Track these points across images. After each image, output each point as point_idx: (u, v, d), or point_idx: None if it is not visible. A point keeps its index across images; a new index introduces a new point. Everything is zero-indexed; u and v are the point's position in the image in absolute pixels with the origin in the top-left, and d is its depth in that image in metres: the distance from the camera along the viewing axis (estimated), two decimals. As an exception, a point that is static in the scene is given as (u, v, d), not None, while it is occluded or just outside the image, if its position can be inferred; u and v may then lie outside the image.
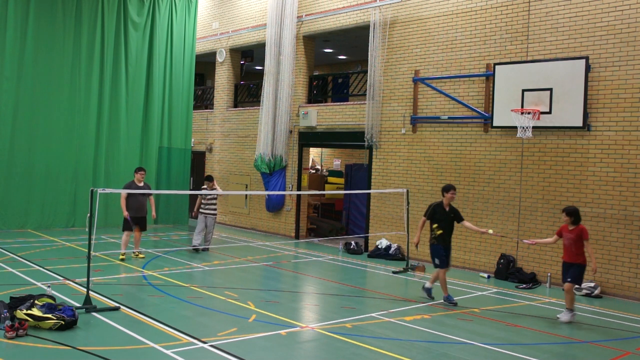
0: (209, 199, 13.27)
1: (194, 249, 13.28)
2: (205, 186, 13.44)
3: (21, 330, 6.73)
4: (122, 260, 11.71)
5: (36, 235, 14.71)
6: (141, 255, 11.49)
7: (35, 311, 7.11)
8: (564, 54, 11.20)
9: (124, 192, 11.63)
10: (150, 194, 12.29)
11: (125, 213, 11.62)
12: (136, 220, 11.92)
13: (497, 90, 11.85)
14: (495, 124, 11.95)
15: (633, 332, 8.26)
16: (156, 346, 6.59)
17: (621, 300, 10.22)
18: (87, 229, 8.02)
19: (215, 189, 13.47)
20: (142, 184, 12.15)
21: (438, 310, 8.90)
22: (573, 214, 8.81)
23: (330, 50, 20.15)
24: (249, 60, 19.86)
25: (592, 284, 10.50)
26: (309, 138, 16.67)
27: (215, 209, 13.40)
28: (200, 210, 13.31)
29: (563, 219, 8.93)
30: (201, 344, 6.74)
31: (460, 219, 9.63)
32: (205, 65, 22.76)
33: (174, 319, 7.76)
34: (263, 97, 17.07)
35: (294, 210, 16.82)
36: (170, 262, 12.07)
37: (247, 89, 20.22)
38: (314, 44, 17.52)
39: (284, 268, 12.26)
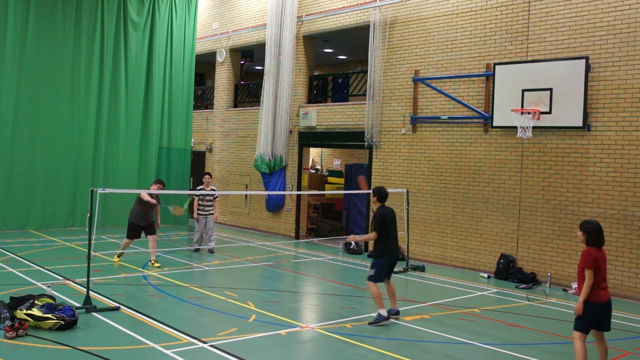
0: (207, 199, 13.27)
1: (194, 250, 13.38)
2: (201, 186, 13.43)
3: (21, 330, 6.73)
4: (116, 260, 11.53)
5: (36, 235, 14.71)
6: (157, 264, 11.38)
7: (35, 311, 7.11)
8: (564, 54, 11.19)
9: (144, 193, 11.38)
10: (157, 205, 11.73)
11: (152, 200, 11.28)
12: (142, 228, 11.58)
13: (497, 90, 11.85)
14: (495, 124, 11.95)
15: (633, 332, 8.26)
16: (156, 346, 6.59)
17: (621, 300, 10.21)
18: (87, 229, 8.02)
19: (212, 186, 13.50)
20: (155, 195, 11.62)
21: (438, 310, 8.91)
22: (586, 231, 5.98)
23: (330, 50, 20.15)
24: (249, 60, 19.85)
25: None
26: (309, 138, 16.67)
27: (212, 208, 13.39)
28: (199, 212, 13.28)
29: (578, 235, 6.12)
30: (201, 344, 6.74)
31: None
32: (205, 65, 22.76)
33: (174, 319, 7.76)
34: (263, 97, 17.07)
35: (294, 210, 16.82)
36: (170, 262, 12.07)
37: (247, 89, 20.22)
38: (314, 44, 17.52)
39: (284, 268, 12.26)
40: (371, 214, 8.78)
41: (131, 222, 11.59)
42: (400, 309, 8.68)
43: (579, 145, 11.03)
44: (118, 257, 11.78)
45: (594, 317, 5.81)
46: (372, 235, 8.23)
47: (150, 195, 11.38)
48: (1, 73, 15.08)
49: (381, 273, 8.19)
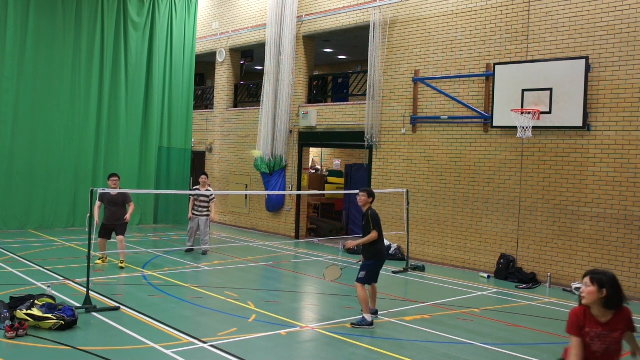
0: (202, 200, 13.14)
1: (186, 250, 13.20)
2: (197, 186, 13.33)
3: (21, 330, 6.73)
4: (98, 263, 11.11)
5: (36, 235, 14.70)
6: (121, 265, 11.06)
7: (35, 311, 7.11)
8: (564, 54, 11.20)
9: (97, 203, 10.80)
10: (127, 203, 11.34)
11: (97, 219, 10.53)
12: (112, 227, 11.21)
13: (497, 90, 11.85)
14: (495, 124, 11.95)
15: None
16: (156, 346, 6.59)
17: (621, 300, 10.20)
18: (87, 229, 8.02)
19: (208, 187, 13.40)
20: (116, 193, 10.90)
21: (438, 310, 8.90)
22: (607, 285, 3.98)
23: (330, 50, 20.15)
24: (249, 60, 19.86)
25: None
26: (309, 138, 16.67)
27: (207, 210, 13.16)
28: (193, 212, 13.06)
29: (586, 293, 4.01)
30: (201, 344, 6.74)
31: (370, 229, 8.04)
32: (205, 65, 22.76)
33: (174, 319, 7.76)
34: (263, 97, 17.07)
35: (294, 210, 16.82)
36: (170, 262, 12.07)
37: (247, 89, 20.22)
38: (314, 44, 17.52)
39: (284, 268, 12.26)
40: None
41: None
42: (400, 309, 8.69)
43: (579, 145, 11.03)
44: (100, 260, 11.32)
45: None
46: (374, 234, 7.92)
47: (106, 196, 10.93)
48: (1, 73, 15.07)
49: (372, 275, 8.06)
